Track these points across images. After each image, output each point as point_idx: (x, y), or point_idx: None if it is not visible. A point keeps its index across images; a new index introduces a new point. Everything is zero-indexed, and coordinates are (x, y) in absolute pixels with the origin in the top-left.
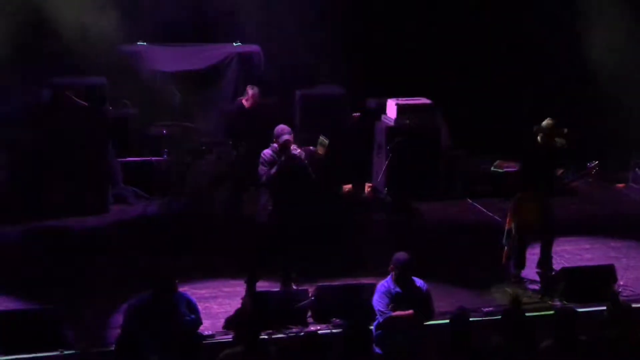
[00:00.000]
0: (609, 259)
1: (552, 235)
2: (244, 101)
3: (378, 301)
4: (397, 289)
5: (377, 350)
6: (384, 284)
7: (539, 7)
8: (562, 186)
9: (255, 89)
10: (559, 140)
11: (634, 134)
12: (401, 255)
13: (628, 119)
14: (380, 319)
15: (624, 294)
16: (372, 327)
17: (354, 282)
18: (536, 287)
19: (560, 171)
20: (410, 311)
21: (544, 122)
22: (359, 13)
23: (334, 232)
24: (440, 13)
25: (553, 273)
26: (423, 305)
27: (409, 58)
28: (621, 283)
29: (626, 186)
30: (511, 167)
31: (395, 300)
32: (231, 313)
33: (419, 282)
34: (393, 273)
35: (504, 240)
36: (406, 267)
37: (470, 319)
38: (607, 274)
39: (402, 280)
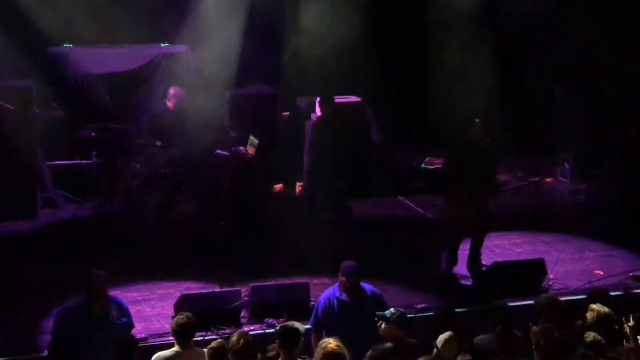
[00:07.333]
0: (539, 252)
1: (486, 232)
2: (167, 102)
3: (318, 307)
4: (344, 297)
5: None
6: (330, 290)
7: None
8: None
9: (177, 89)
10: (486, 138)
11: (563, 128)
12: (348, 264)
13: (556, 115)
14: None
15: (554, 287)
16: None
17: (288, 281)
18: (468, 282)
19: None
20: None
21: (474, 122)
22: (288, 12)
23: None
24: (369, 11)
25: (484, 268)
26: (373, 311)
27: (339, 56)
28: (551, 277)
29: (555, 180)
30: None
31: (341, 308)
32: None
33: (368, 289)
34: (340, 281)
35: None
36: (353, 276)
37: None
38: (537, 267)
39: (349, 288)
